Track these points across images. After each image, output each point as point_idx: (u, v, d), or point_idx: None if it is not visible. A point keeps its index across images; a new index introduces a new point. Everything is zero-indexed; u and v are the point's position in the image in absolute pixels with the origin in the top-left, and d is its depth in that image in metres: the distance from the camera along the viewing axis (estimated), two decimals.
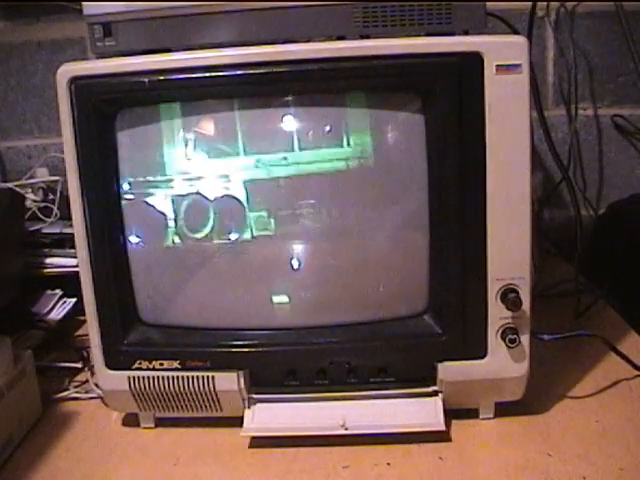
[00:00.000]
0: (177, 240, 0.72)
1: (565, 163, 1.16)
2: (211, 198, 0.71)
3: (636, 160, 1.26)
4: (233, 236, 0.72)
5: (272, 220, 0.71)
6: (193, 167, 0.71)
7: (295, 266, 0.72)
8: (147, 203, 0.71)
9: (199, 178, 0.71)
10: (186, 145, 0.71)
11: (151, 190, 0.71)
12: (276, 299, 0.73)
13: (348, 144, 0.69)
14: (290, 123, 0.70)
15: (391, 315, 0.72)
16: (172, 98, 0.69)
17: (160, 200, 0.71)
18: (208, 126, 0.71)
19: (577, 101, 1.23)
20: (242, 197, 0.71)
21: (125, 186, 0.71)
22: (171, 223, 0.72)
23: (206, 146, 0.71)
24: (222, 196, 0.71)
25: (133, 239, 0.72)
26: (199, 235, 0.72)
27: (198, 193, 0.71)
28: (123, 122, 0.69)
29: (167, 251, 0.73)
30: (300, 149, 0.69)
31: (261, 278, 0.73)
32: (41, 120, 1.29)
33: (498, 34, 0.68)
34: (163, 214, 0.72)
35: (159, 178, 0.71)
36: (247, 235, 0.71)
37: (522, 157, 0.66)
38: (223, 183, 0.71)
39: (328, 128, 0.69)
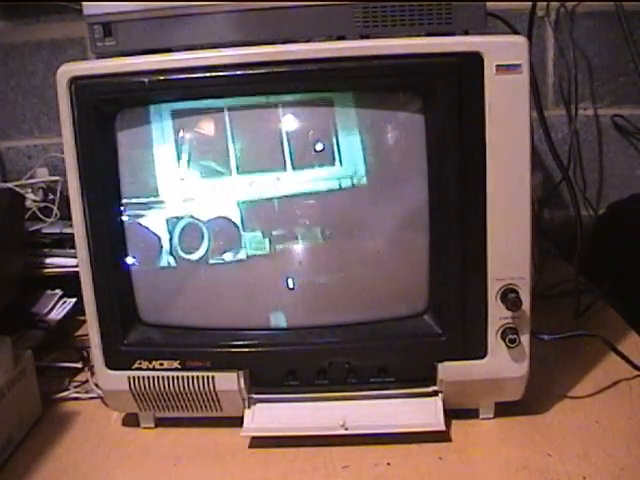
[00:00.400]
0: (172, 261, 0.72)
1: (565, 163, 1.16)
2: (205, 220, 0.71)
3: (636, 160, 1.26)
4: (228, 256, 0.71)
5: (266, 240, 0.71)
6: (187, 184, 0.71)
7: (290, 284, 0.72)
8: (140, 224, 0.71)
9: (192, 199, 0.71)
10: (180, 154, 0.70)
11: (144, 212, 0.71)
12: (273, 312, 0.73)
13: (340, 162, 0.68)
14: (284, 140, 0.69)
15: (391, 315, 0.72)
16: (172, 98, 0.69)
17: (153, 220, 0.71)
18: (206, 128, 0.71)
19: (577, 101, 1.23)
20: (236, 218, 0.71)
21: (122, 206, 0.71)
22: (166, 244, 0.72)
23: (200, 162, 0.70)
24: (216, 217, 0.71)
25: (130, 260, 0.72)
26: (194, 257, 0.72)
27: (192, 217, 0.71)
28: (123, 122, 0.69)
29: (162, 271, 0.73)
30: (294, 168, 0.69)
31: (258, 294, 0.73)
32: (41, 120, 1.29)
33: (498, 34, 0.68)
34: (157, 235, 0.72)
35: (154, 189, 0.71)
36: (242, 255, 0.71)
37: (522, 157, 0.66)
38: (217, 204, 0.71)
39: (321, 147, 0.69)
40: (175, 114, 0.69)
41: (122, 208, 0.71)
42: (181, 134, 0.70)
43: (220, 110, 0.69)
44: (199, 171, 0.71)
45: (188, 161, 0.70)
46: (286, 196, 0.70)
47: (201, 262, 0.72)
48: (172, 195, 0.71)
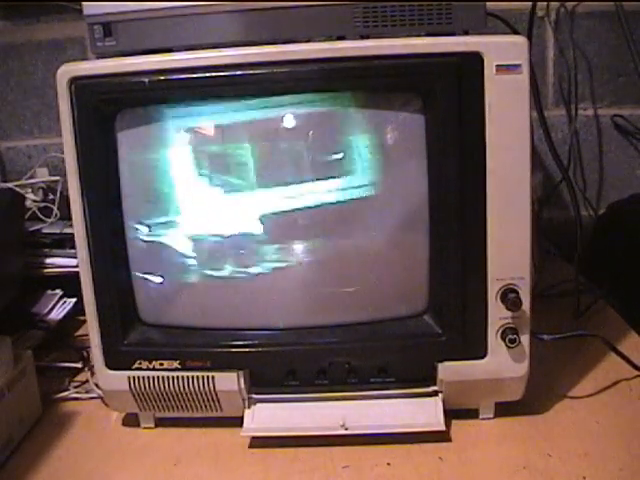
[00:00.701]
0: (194, 279, 0.72)
1: (565, 163, 1.16)
2: (227, 235, 0.71)
3: (636, 160, 1.26)
4: (253, 270, 0.71)
5: (266, 251, 0.71)
6: (205, 199, 0.71)
7: (295, 290, 0.72)
8: (163, 244, 0.72)
9: (211, 213, 0.71)
10: (181, 157, 0.70)
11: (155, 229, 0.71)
12: (273, 313, 0.73)
13: (348, 172, 0.68)
14: (299, 155, 0.69)
15: (391, 315, 0.72)
16: (173, 98, 0.69)
17: (174, 237, 0.71)
18: (206, 135, 0.71)
19: (577, 101, 1.23)
20: (259, 232, 0.70)
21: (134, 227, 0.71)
22: (191, 262, 0.72)
23: (218, 179, 0.70)
24: (238, 233, 0.71)
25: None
26: (218, 274, 0.72)
27: (214, 234, 0.71)
28: (123, 122, 0.69)
29: (184, 286, 0.73)
30: (313, 180, 0.69)
31: (259, 299, 0.73)
32: (41, 120, 1.29)
33: (498, 34, 0.68)
34: (182, 254, 0.72)
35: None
36: (262, 269, 0.71)
37: (522, 157, 0.66)
38: (238, 219, 0.71)
39: (328, 159, 0.69)
40: (177, 121, 0.70)
41: (127, 223, 0.71)
42: (182, 137, 0.70)
43: (220, 124, 0.70)
44: (201, 180, 0.70)
45: (192, 167, 0.70)
46: (290, 210, 0.70)
47: (225, 278, 0.72)
48: (179, 208, 0.71)
